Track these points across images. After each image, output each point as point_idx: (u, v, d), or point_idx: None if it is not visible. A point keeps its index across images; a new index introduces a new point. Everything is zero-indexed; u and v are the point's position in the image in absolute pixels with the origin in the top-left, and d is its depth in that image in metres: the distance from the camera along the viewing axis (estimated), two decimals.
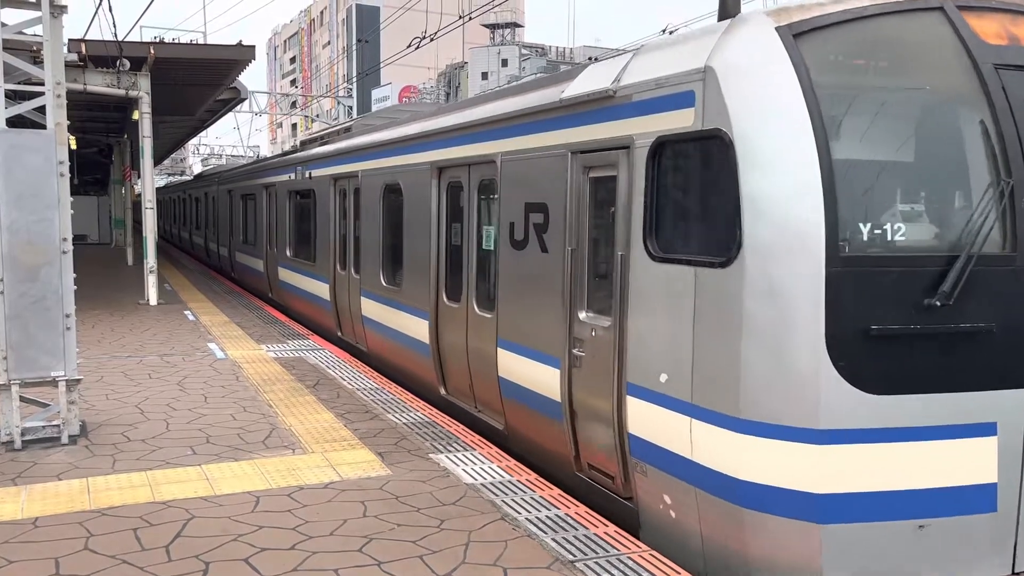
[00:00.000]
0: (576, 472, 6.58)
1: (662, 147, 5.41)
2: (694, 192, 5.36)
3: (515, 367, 7.32)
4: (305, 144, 16.56)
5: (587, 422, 6.33)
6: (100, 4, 14.65)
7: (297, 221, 15.86)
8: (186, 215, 35.27)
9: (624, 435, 5.78)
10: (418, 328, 9.47)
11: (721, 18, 5.60)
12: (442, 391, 9.15)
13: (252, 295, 19.56)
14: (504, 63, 73.65)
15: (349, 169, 12.37)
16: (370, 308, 11.28)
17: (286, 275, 16.39)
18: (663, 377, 5.34)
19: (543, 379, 6.82)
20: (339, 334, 13.05)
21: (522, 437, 7.46)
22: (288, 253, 16.21)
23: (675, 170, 5.41)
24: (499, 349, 7.56)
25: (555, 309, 6.60)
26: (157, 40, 20.44)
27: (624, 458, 5.84)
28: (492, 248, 7.82)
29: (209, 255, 28.14)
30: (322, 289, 13.70)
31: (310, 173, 14.55)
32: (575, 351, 6.37)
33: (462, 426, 8.18)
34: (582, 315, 6.34)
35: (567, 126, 6.52)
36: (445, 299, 8.88)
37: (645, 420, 5.55)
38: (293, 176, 15.84)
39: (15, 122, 8.42)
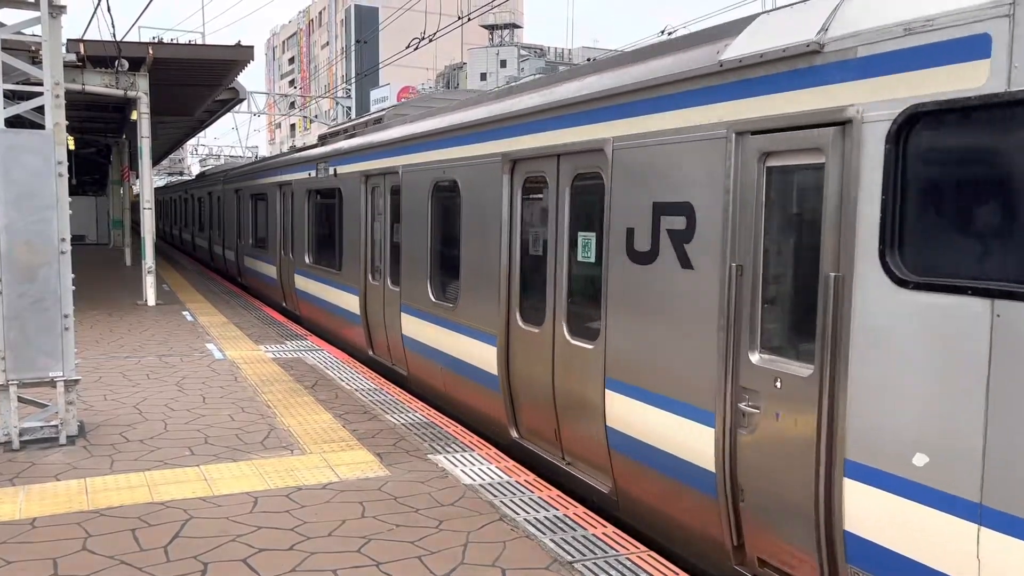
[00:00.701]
0: (737, 566, 5.01)
1: (917, 120, 3.88)
2: (992, 185, 3.66)
3: (634, 417, 5.75)
4: (327, 138, 15.20)
5: (761, 504, 4.73)
6: (99, 4, 14.65)
7: (318, 224, 14.18)
8: (188, 216, 33.76)
9: (835, 531, 4.25)
10: (481, 355, 7.93)
11: None
12: (513, 433, 7.59)
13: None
14: (503, 64, 73.69)
15: (385, 164, 10.68)
16: (414, 327, 9.64)
17: (304, 284, 14.83)
18: (919, 459, 3.83)
19: (684, 438, 5.24)
20: (370, 353, 11.45)
21: (643, 507, 5.87)
22: (307, 259, 14.58)
23: (947, 153, 3.83)
24: (608, 391, 5.98)
25: (705, 346, 5.01)
26: (156, 40, 20.44)
27: (832, 563, 4.33)
28: (594, 260, 6.30)
29: (213, 259, 26.65)
30: (350, 302, 12.09)
31: (334, 170, 12.86)
32: (743, 405, 4.76)
33: (460, 427, 8.16)
34: (755, 357, 4.73)
35: (729, 98, 4.90)
36: (520, 322, 7.35)
37: (879, 516, 4.03)
38: (313, 173, 14.21)
39: (13, 122, 8.42)
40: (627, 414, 5.82)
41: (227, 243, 23.56)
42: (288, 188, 16.10)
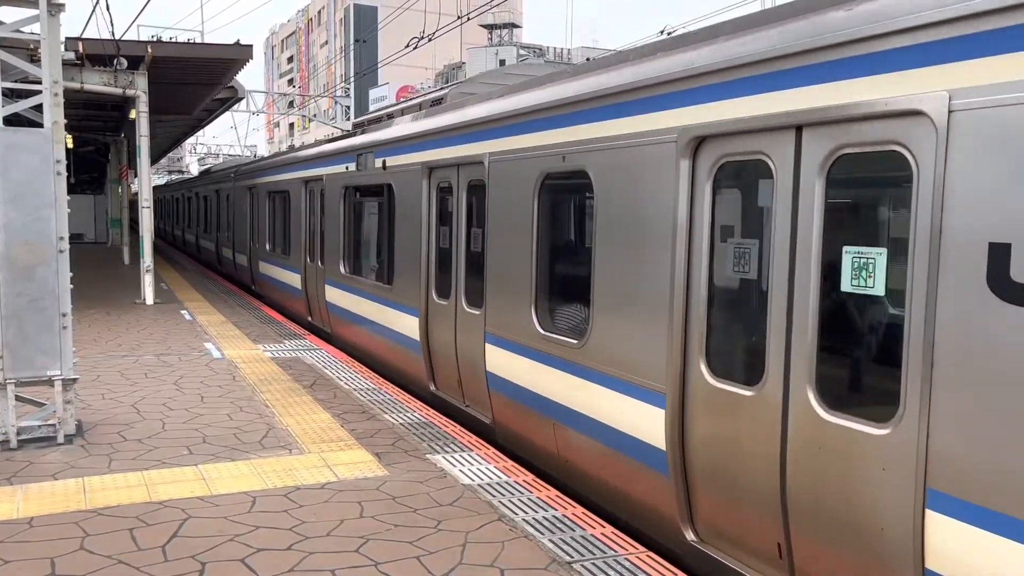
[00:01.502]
0: None
1: None
2: None
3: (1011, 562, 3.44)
4: (365, 126, 13.17)
5: None
6: (97, 3, 14.63)
7: (359, 226, 12.07)
8: (193, 216, 31.69)
9: None
10: (634, 418, 5.75)
11: None
12: (688, 535, 5.40)
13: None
14: (502, 63, 73.68)
15: (462, 153, 8.45)
16: (506, 364, 7.56)
17: (339, 297, 12.61)
18: None
19: None
20: (432, 389, 9.40)
21: None
22: (342, 269, 12.40)
23: None
24: (930, 513, 3.71)
25: None
26: (154, 39, 20.44)
27: None
28: (881, 291, 4.09)
29: (221, 263, 24.67)
30: (405, 324, 9.93)
31: (383, 162, 10.66)
32: None
33: (459, 427, 8.15)
34: None
35: None
36: (708, 376, 5.10)
37: None
38: (351, 167, 12.00)
39: (11, 120, 8.41)
40: (988, 556, 3.54)
41: (238, 246, 21.53)
42: (317, 184, 13.99)
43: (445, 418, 8.43)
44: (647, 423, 5.61)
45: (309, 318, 14.48)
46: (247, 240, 20.05)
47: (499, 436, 7.94)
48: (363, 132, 12.71)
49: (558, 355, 6.70)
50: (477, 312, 8.14)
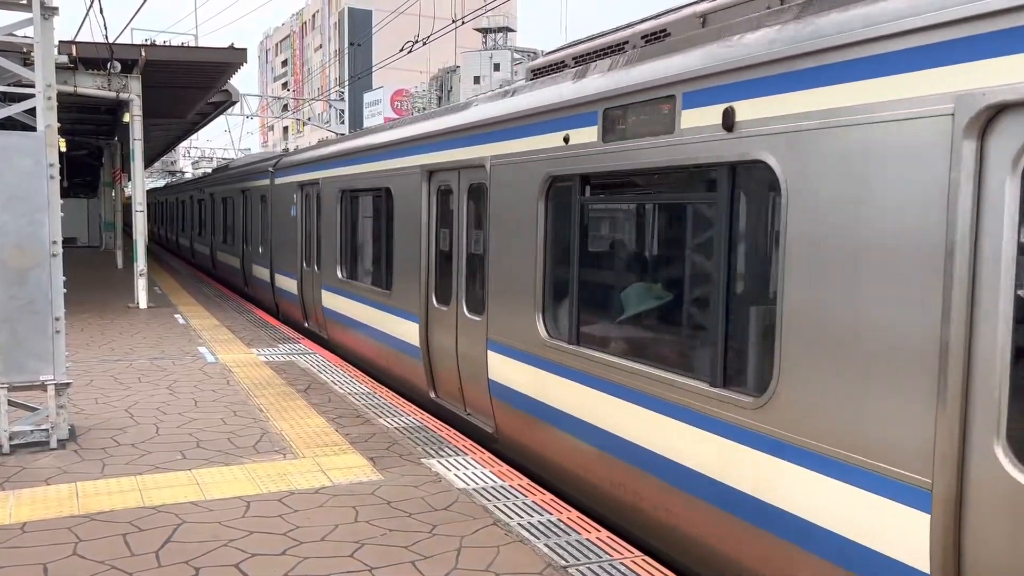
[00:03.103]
0: None
1: None
2: None
3: None
4: (562, 67, 7.50)
5: None
6: (91, 6, 14.59)
7: (601, 256, 6.49)
8: (205, 223, 26.42)
9: None
10: None
11: None
12: None
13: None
14: (496, 67, 73.71)
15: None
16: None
17: (542, 386, 6.84)
18: None
19: None
20: None
21: None
22: (544, 331, 6.79)
23: None
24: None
25: None
26: (148, 42, 20.40)
27: None
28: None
29: (250, 285, 19.39)
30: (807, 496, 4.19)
31: (728, 110, 4.71)
32: None
33: (454, 430, 8.13)
34: None
35: None
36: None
37: None
38: (585, 136, 6.14)
39: (4, 124, 8.39)
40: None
41: (280, 266, 16.21)
42: (462, 176, 8.39)
43: (440, 422, 8.41)
44: None
45: (432, 394, 9.20)
46: (298, 260, 14.67)
47: None
48: (589, 63, 6.70)
49: None
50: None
